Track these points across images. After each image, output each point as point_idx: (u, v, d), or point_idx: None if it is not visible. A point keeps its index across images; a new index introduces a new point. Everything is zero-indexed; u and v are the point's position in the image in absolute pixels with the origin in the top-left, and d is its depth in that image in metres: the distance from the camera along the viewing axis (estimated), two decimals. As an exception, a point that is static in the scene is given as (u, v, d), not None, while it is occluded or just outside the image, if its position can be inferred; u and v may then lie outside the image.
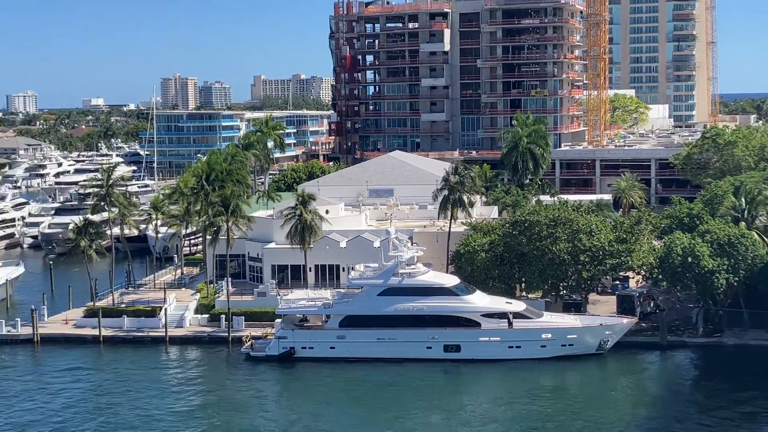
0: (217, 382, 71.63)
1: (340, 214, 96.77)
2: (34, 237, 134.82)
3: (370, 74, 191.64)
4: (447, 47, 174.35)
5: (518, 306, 76.65)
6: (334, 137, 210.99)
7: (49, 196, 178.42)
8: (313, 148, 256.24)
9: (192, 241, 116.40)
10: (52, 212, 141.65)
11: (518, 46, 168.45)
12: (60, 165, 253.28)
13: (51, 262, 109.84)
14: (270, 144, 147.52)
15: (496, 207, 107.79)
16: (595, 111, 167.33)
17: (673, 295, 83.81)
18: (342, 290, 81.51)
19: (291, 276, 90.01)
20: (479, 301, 76.08)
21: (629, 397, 67.76)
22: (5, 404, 66.18)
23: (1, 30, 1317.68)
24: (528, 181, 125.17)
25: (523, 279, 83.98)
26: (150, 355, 77.68)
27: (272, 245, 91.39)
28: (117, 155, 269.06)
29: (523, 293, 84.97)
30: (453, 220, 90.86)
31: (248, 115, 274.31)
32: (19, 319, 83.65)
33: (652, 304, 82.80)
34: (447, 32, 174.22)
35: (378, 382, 70.55)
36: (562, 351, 74.35)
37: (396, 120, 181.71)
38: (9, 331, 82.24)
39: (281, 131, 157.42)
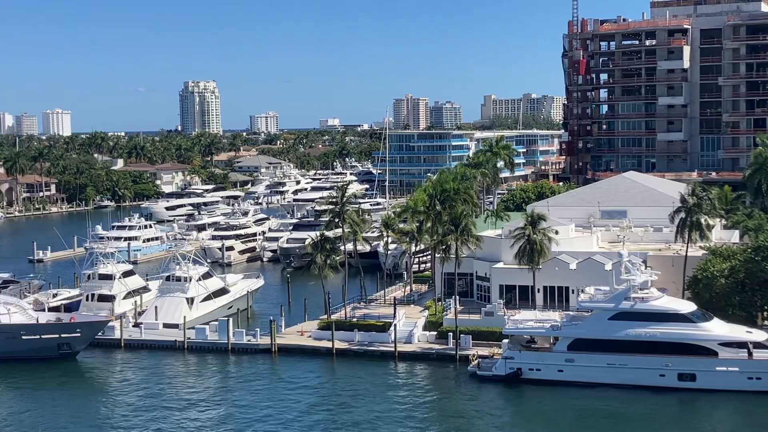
0: (444, 399, 72.04)
1: (570, 235, 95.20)
2: (273, 251, 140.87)
3: (603, 93, 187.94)
4: (686, 64, 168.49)
5: (759, 335, 72.41)
6: (564, 157, 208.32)
7: (288, 213, 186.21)
8: (543, 167, 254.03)
9: (421, 259, 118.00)
10: (290, 228, 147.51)
11: (763, 63, 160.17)
12: (298, 183, 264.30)
13: (288, 276, 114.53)
14: (499, 163, 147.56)
15: (737, 231, 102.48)
16: None
17: None
18: (571, 312, 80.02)
19: (519, 296, 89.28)
20: (717, 329, 72.51)
21: None
22: (244, 410, 69.37)
23: (249, 56, 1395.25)
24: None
25: (766, 307, 79.29)
26: (380, 369, 79.20)
27: (500, 265, 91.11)
28: (351, 174, 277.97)
29: (766, 322, 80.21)
30: (690, 244, 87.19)
31: (478, 134, 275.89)
32: (258, 330, 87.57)
33: None
34: (686, 49, 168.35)
35: (608, 408, 68.56)
36: (808, 385, 69.52)
37: (630, 139, 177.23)
38: (249, 341, 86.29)
39: (511, 151, 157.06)
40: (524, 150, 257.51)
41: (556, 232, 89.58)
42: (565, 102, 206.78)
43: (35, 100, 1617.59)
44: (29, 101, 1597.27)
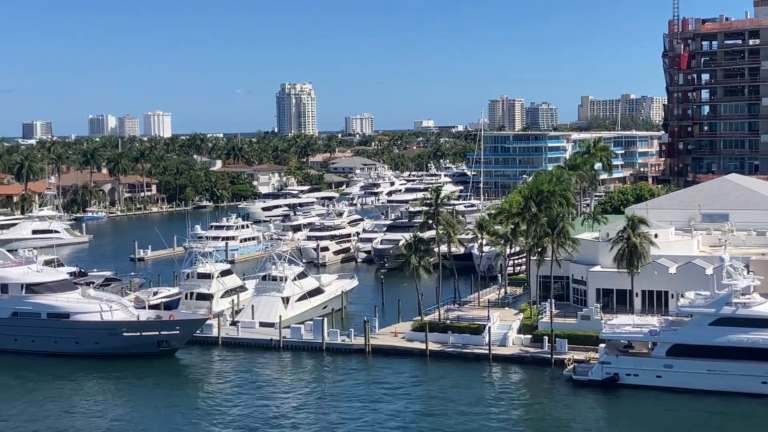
0: (538, 403, 71.27)
1: (669, 238, 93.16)
2: (368, 252, 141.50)
3: (705, 93, 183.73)
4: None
5: None
6: (664, 159, 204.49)
7: (382, 214, 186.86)
8: (642, 169, 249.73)
9: (516, 261, 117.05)
10: (384, 229, 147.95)
11: None
12: (392, 184, 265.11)
13: (382, 276, 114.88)
14: (597, 165, 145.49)
15: None
16: None
17: None
18: (670, 317, 78.18)
19: (616, 300, 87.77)
20: (823, 336, 70.01)
21: None
22: (338, 410, 69.79)
23: (345, 58, 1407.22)
24: None
25: None
26: (473, 372, 78.79)
27: (597, 268, 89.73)
28: (445, 175, 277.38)
29: None
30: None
31: (575, 135, 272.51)
32: (352, 330, 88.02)
33: None
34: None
35: (707, 416, 66.89)
36: None
37: (733, 141, 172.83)
38: (343, 341, 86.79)
39: (609, 152, 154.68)
40: (622, 152, 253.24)
41: (656, 236, 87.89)
42: (666, 103, 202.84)
43: (137, 103, 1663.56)
44: (131, 103, 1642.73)
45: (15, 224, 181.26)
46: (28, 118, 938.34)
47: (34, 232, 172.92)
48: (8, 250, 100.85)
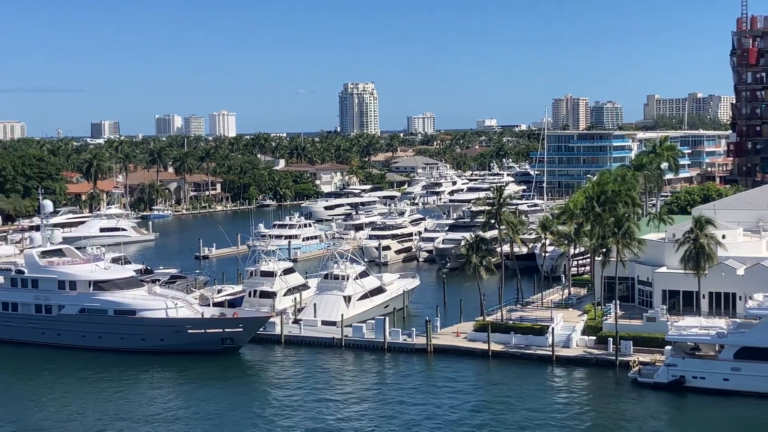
0: (603, 406, 70.42)
1: (737, 239, 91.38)
2: (429, 251, 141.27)
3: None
4: None
5: None
6: (732, 158, 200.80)
7: (444, 213, 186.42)
8: (709, 169, 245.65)
9: (580, 262, 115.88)
10: (446, 228, 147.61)
11: None
12: (454, 183, 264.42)
13: (444, 276, 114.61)
14: (663, 165, 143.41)
15: None
16: None
17: None
18: (738, 320, 76.82)
19: (683, 302, 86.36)
20: None
21: None
22: (400, 409, 69.76)
23: (407, 57, 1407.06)
24: None
25: None
26: (536, 373, 78.16)
27: (663, 269, 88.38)
28: (508, 174, 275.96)
29: None
30: None
31: (640, 135, 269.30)
32: (414, 329, 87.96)
33: None
34: None
35: (777, 421, 65.54)
36: None
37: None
38: (405, 340, 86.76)
39: (675, 152, 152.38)
40: (689, 151, 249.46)
41: (723, 237, 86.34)
42: (734, 102, 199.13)
43: (203, 103, 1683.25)
44: (197, 103, 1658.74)
45: (83, 222, 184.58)
46: (96, 117, 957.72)
47: (102, 230, 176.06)
48: (77, 248, 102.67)
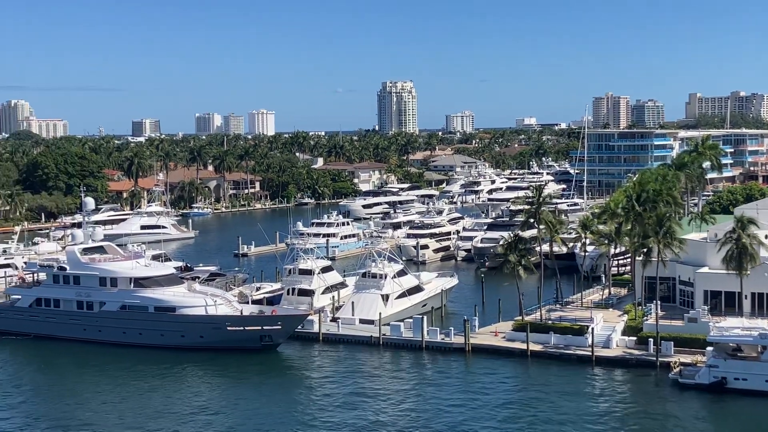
0: (643, 407, 69.69)
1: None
2: (467, 250, 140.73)
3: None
4: None
5: None
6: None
7: (482, 212, 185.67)
8: (752, 168, 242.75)
9: (620, 262, 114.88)
10: (485, 227, 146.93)
11: None
12: (493, 182, 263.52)
13: (482, 275, 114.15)
14: (705, 164, 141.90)
15: None
16: None
17: None
18: (781, 321, 75.75)
19: (724, 303, 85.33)
20: None
21: None
22: (438, 408, 69.58)
23: (445, 56, 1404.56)
24: None
25: None
26: (576, 373, 77.58)
27: (705, 269, 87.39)
28: (547, 173, 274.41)
29: None
30: None
31: (682, 134, 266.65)
32: (452, 329, 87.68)
33: None
34: None
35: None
36: None
37: None
38: (443, 339, 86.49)
39: (718, 151, 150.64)
40: (732, 150, 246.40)
41: (766, 237, 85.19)
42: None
43: (242, 101, 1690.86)
44: (236, 102, 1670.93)
45: (124, 220, 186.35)
46: (137, 116, 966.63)
47: (143, 227, 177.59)
48: (118, 245, 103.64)
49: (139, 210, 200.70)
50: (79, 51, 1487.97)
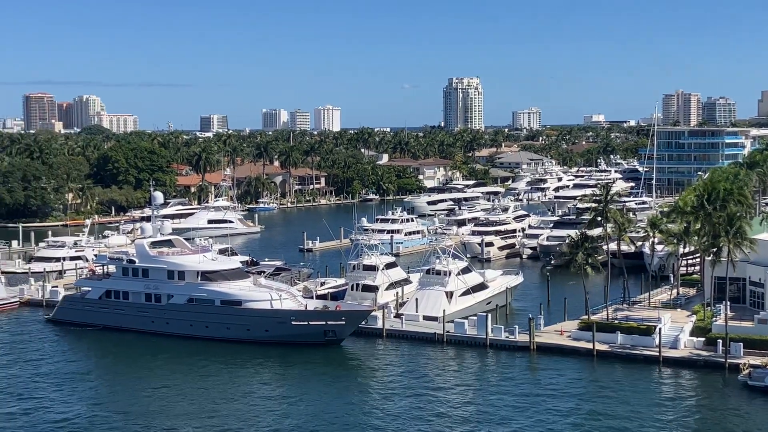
0: (711, 409, 68.48)
1: None
2: (533, 248, 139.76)
3: None
4: None
5: None
6: None
7: (549, 210, 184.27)
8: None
9: (689, 261, 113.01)
10: (551, 225, 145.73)
11: None
12: (560, 179, 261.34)
13: (548, 274, 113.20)
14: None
15: None
16: None
17: None
18: None
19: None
20: None
21: None
22: (502, 406, 69.15)
23: (513, 52, 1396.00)
24: None
25: None
26: (642, 374, 76.50)
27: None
28: (615, 171, 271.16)
29: None
30: None
31: (754, 132, 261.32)
32: (517, 327, 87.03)
33: None
34: None
35: None
36: None
37: None
38: (507, 337, 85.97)
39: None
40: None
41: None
42: None
43: (308, 97, 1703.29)
44: (303, 98, 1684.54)
45: (192, 214, 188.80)
46: (205, 112, 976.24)
47: (210, 221, 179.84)
48: (185, 239, 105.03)
49: (206, 204, 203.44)
50: (150, 49, 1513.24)
